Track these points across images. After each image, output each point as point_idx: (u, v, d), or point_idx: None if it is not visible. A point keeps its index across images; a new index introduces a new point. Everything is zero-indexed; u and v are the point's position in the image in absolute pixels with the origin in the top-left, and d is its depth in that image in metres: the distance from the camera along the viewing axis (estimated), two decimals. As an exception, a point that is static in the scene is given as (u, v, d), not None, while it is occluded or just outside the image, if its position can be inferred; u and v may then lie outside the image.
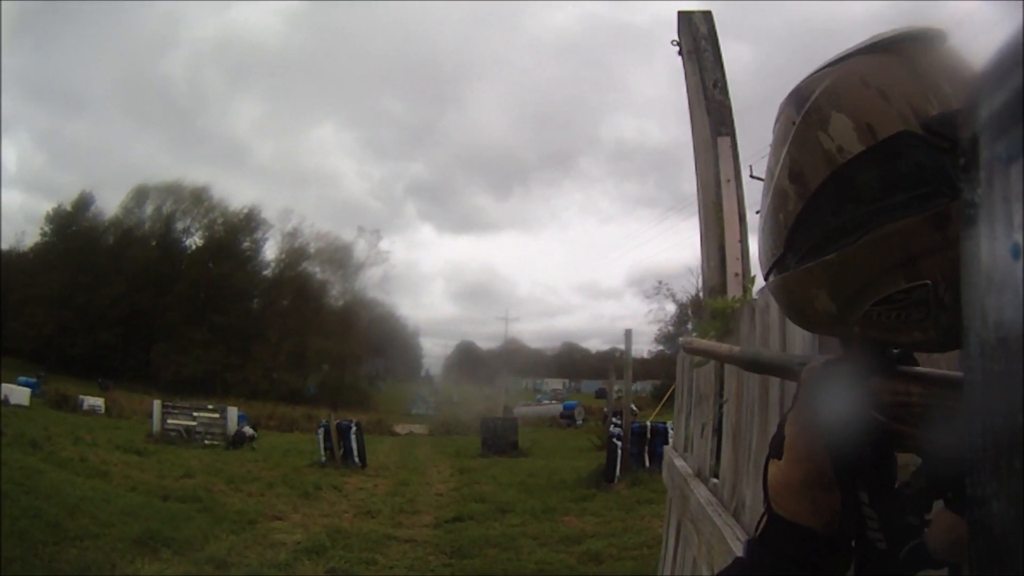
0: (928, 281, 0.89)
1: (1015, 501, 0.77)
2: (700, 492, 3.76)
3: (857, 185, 0.93)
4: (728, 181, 5.59)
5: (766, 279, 1.12)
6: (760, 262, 1.15)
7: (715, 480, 3.73)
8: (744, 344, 3.18)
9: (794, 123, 1.01)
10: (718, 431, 3.88)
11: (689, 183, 6.07)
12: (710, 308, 4.12)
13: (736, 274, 5.32)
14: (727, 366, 3.68)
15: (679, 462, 5.02)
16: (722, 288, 5.21)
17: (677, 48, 6.41)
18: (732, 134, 5.77)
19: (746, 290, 4.75)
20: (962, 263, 0.70)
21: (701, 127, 5.90)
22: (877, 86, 0.94)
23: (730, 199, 5.55)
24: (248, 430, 29.09)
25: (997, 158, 0.75)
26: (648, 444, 18.48)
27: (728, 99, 5.97)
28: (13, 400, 31.49)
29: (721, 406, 3.82)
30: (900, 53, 0.96)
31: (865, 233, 0.91)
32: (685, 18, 6.32)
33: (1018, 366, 0.67)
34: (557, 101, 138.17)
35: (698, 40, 6.13)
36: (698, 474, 4.34)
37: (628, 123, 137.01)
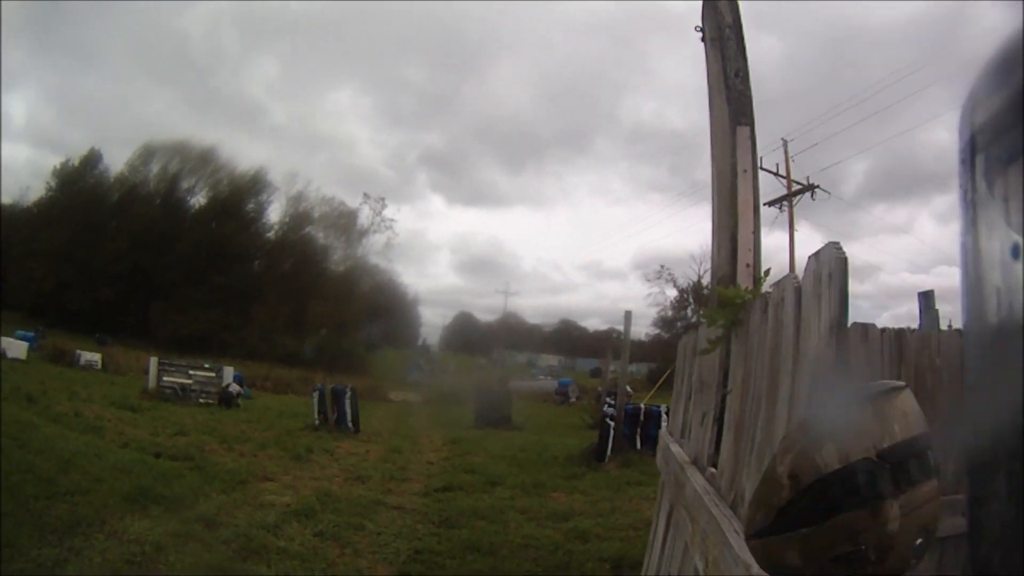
0: (863, 547, 1.18)
1: (1015, 501, 0.92)
2: (697, 480, 3.72)
3: (832, 488, 1.21)
4: (745, 171, 5.50)
5: (747, 540, 1.42)
6: (744, 526, 1.55)
7: (713, 469, 3.69)
8: (753, 336, 3.16)
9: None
10: (719, 420, 3.84)
11: (702, 170, 6.02)
12: (719, 296, 4.07)
13: (748, 265, 5.24)
14: (733, 355, 3.66)
15: (675, 447, 4.97)
16: (732, 278, 5.14)
17: (700, 35, 6.32)
18: (751, 125, 5.69)
19: (757, 281, 4.68)
20: (962, 262, 0.84)
21: (720, 116, 5.81)
22: (857, 429, 1.24)
23: (746, 189, 5.47)
24: (235, 387, 29.19)
25: (997, 158, 0.93)
26: (641, 426, 18.54)
27: (749, 89, 5.86)
28: (10, 353, 31.60)
29: (724, 396, 3.78)
30: (874, 404, 1.26)
31: (830, 518, 1.21)
32: (711, 5, 6.19)
33: (1018, 366, 0.82)
34: (579, 78, 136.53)
35: (723, 28, 6.02)
36: (695, 461, 4.29)
37: (648, 106, 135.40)
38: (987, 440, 1.03)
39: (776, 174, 36.16)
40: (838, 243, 2.14)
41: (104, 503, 10.07)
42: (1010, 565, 0.99)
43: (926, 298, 8.39)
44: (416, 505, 12.74)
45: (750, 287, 4.46)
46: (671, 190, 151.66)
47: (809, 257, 2.38)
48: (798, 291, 2.47)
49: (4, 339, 33.04)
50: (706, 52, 6.21)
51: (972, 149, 1.05)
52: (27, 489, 9.95)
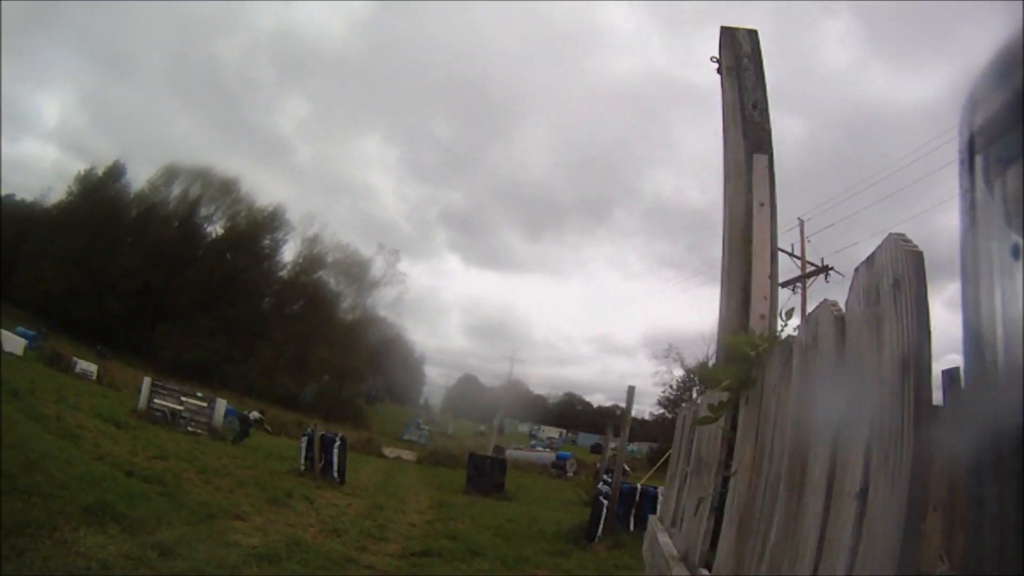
0: None
1: (1015, 501, 0.92)
2: (683, 583, 3.11)
3: None
4: (762, 205, 4.98)
5: None
6: None
7: (705, 572, 3.06)
8: (769, 398, 2.51)
9: None
10: (717, 509, 3.20)
11: (719, 249, 5.47)
12: (727, 346, 3.46)
13: (762, 316, 4.66)
14: (742, 425, 2.99)
15: (663, 538, 4.37)
16: (733, 345, 4.55)
17: (716, 65, 5.92)
18: (770, 155, 5.23)
19: (774, 333, 3.84)
20: (962, 263, 0.93)
21: (735, 149, 5.35)
22: None
23: (762, 226, 4.94)
24: (255, 414, 29.41)
25: (997, 158, 0.96)
26: (635, 507, 18.06)
27: (768, 123, 5.42)
28: (7, 347, 32.40)
29: (726, 479, 3.15)
30: None
31: None
32: (728, 34, 5.89)
33: (1018, 366, 0.83)
34: (604, 149, 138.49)
35: (740, 57, 5.64)
36: (684, 558, 3.66)
37: (669, 181, 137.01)
38: (987, 440, 1.01)
39: (791, 254, 35.77)
40: (903, 234, 1.50)
41: (61, 510, 9.75)
42: (1010, 565, 0.98)
43: (951, 377, 7.88)
44: (389, 567, 12.18)
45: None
46: (686, 267, 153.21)
47: (858, 268, 1.71)
48: (841, 322, 1.83)
49: (4, 332, 33.47)
50: (721, 83, 5.86)
51: (971, 150, 1.07)
52: (-17, 479, 9.78)
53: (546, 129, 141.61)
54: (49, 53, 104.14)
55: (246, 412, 30.19)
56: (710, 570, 3.00)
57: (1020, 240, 0.93)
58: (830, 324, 1.89)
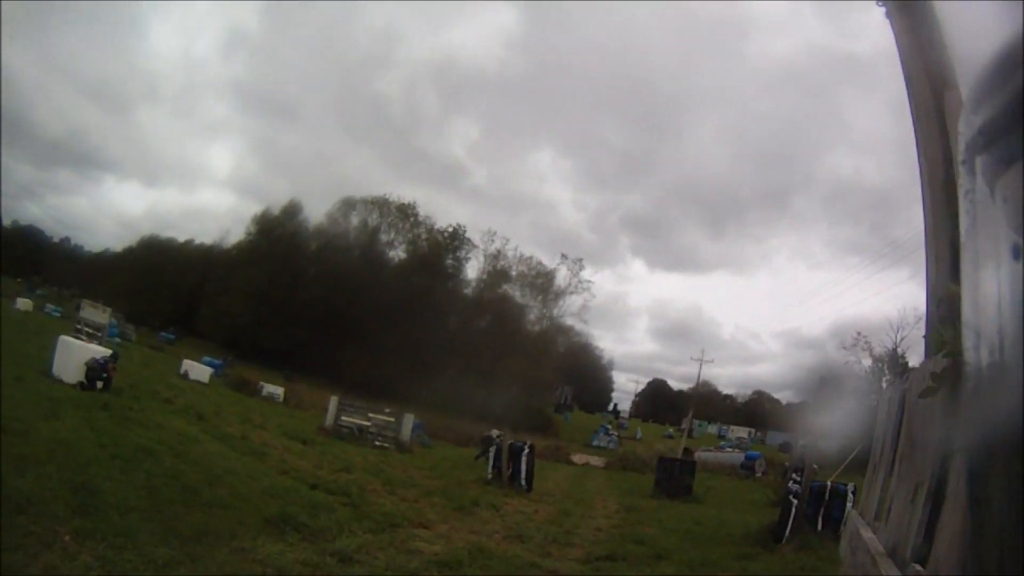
0: None
1: (1015, 501, 0.93)
2: (894, 582, 2.56)
3: None
4: None
5: None
6: None
7: (919, 567, 2.50)
8: None
9: None
10: (935, 495, 2.62)
11: (902, 227, 4.90)
12: (951, 297, 2.94)
13: None
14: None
15: (867, 533, 3.79)
16: (956, 296, 3.86)
17: (883, 7, 5.30)
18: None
19: None
20: (962, 263, 0.95)
21: (920, 93, 4.73)
22: None
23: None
24: (495, 432, 29.99)
25: (997, 160, 0.98)
26: (824, 506, 17.08)
27: (949, 59, 4.73)
28: (193, 375, 34.62)
29: (946, 460, 2.55)
30: None
31: None
32: None
33: (1018, 366, 0.85)
34: (774, 135, 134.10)
35: None
36: (892, 553, 3.08)
37: (844, 162, 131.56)
38: (987, 440, 1.03)
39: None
40: None
41: (241, 520, 10.10)
42: (1010, 565, 0.95)
43: None
44: (573, 572, 11.98)
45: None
46: (869, 250, 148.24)
47: None
48: None
49: (187, 362, 36.01)
50: (892, 26, 5.19)
51: (972, 151, 1.06)
52: (167, 493, 10.28)
53: (714, 121, 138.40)
54: (214, 107, 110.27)
55: (489, 432, 30.69)
56: (924, 566, 2.44)
57: (1020, 240, 0.94)
58: None
